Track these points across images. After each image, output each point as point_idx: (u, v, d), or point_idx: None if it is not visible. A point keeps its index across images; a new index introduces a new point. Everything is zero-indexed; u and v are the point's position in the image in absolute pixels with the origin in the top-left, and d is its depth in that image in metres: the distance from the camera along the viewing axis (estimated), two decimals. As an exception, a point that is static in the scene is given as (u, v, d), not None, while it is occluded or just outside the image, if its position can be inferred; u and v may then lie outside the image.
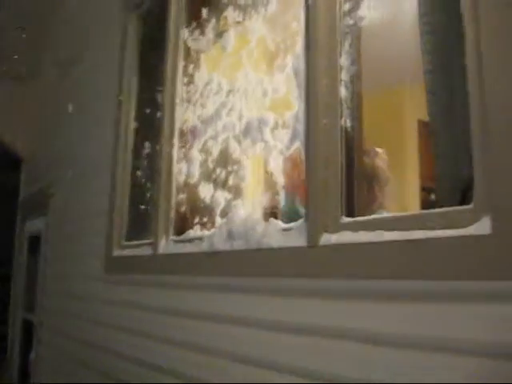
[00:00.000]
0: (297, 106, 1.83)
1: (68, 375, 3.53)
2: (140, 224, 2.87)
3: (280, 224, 1.84)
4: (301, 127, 1.79)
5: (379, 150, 2.02)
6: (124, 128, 3.07)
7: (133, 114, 3.10)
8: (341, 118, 1.66)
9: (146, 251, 2.58)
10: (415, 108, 2.92)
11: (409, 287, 1.34)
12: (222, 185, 2.21)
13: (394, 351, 1.35)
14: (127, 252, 2.81)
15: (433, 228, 1.34)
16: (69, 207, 3.98)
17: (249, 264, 1.88)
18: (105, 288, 3.01)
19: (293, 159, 1.85)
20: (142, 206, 2.85)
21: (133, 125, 3.08)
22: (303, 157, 1.78)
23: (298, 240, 1.70)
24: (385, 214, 1.53)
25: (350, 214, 1.62)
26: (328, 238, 1.59)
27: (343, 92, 1.68)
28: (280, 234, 1.80)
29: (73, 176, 3.90)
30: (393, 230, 1.43)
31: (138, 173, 2.93)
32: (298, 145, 1.81)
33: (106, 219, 3.06)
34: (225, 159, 2.22)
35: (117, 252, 2.91)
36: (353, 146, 1.69)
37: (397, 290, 1.38)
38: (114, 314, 2.89)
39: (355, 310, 1.49)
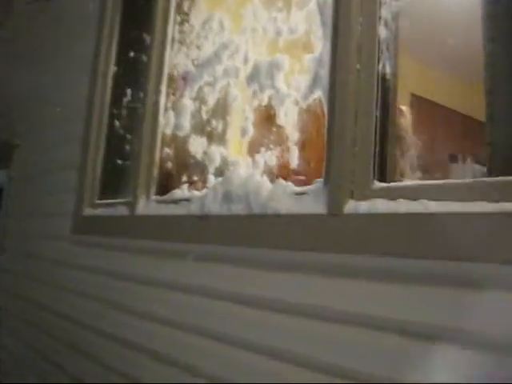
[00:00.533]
0: (320, 47, 1.53)
1: (28, 343, 3.22)
2: (116, 181, 2.55)
3: (291, 186, 1.55)
4: (324, 73, 1.49)
5: (403, 107, 1.73)
6: (102, 72, 2.71)
7: (113, 56, 2.73)
8: (378, 63, 1.37)
9: (122, 211, 2.27)
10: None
11: (469, 270, 1.08)
12: (219, 139, 1.91)
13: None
14: (100, 211, 2.49)
15: (489, 199, 1.08)
16: (35, 159, 3.60)
17: (250, 232, 1.59)
18: (72, 250, 2.68)
19: (311, 111, 1.56)
20: (120, 161, 2.51)
21: (113, 69, 2.72)
22: (325, 108, 1.49)
23: (314, 206, 1.43)
24: (427, 181, 1.25)
25: (382, 179, 1.35)
26: (355, 206, 1.32)
27: (383, 32, 1.38)
28: (291, 199, 1.52)
29: (43, 124, 3.51)
30: (438, 199, 1.17)
31: (117, 123, 2.59)
32: (319, 94, 1.51)
33: (76, 174, 2.71)
34: (223, 109, 1.92)
35: (88, 211, 2.58)
36: (390, 98, 1.40)
37: (454, 273, 1.11)
38: (81, 279, 2.57)
39: (388, 293, 1.22)
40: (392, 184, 1.31)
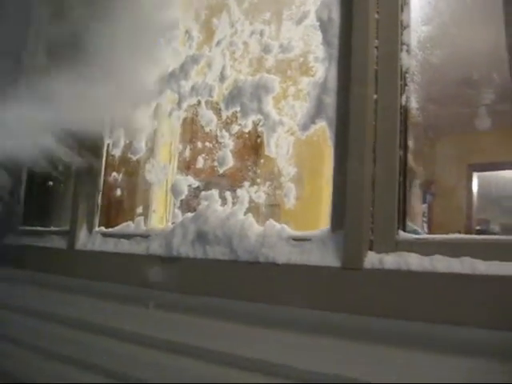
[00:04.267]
0: (322, 70, 1.33)
1: None
2: (45, 205, 2.20)
3: (286, 230, 1.33)
4: (330, 101, 1.29)
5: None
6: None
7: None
8: (401, 94, 1.20)
9: (57, 243, 1.93)
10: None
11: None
12: (185, 167, 1.65)
13: None
14: (25, 241, 2.12)
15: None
16: None
17: (236, 282, 1.35)
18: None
19: (310, 142, 1.35)
20: (50, 182, 2.16)
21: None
22: (330, 141, 1.29)
23: (323, 257, 1.22)
24: (470, 235, 1.09)
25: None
26: (379, 259, 1.12)
27: (405, 59, 1.21)
28: (288, 245, 1.30)
29: None
30: (484, 258, 1.01)
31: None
32: (322, 124, 1.31)
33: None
34: (191, 133, 1.66)
35: (9, 239, 2.20)
36: (414, 134, 1.23)
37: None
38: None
39: (429, 364, 1.03)
40: (424, 236, 1.13)
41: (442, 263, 1.05)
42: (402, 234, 1.15)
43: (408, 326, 1.06)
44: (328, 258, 1.21)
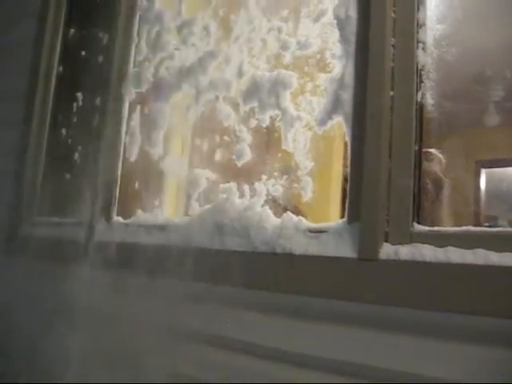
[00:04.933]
0: (339, 67, 1.36)
1: None
2: (60, 197, 2.24)
3: (304, 222, 1.37)
4: (347, 97, 1.33)
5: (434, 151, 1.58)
6: (44, 71, 2.39)
7: (57, 53, 2.42)
8: (417, 91, 1.23)
9: (74, 234, 1.97)
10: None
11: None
12: (204, 160, 1.69)
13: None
14: (42, 232, 2.16)
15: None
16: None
17: (254, 272, 1.39)
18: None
19: (327, 137, 1.39)
20: (66, 174, 2.20)
21: (56, 69, 2.41)
22: (347, 136, 1.33)
23: (339, 248, 1.26)
24: (483, 228, 1.13)
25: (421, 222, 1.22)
26: (395, 251, 1.16)
27: (421, 58, 1.24)
28: (305, 237, 1.34)
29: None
30: (497, 250, 1.05)
31: (63, 131, 2.28)
32: (339, 119, 1.35)
33: (11, 185, 2.36)
34: (209, 127, 1.70)
35: (25, 229, 2.25)
36: (429, 130, 1.27)
37: None
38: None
39: (441, 353, 1.08)
40: (438, 228, 1.17)
41: (455, 254, 1.08)
42: (417, 226, 1.19)
43: (423, 315, 1.10)
44: (344, 250, 1.24)
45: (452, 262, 1.08)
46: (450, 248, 1.10)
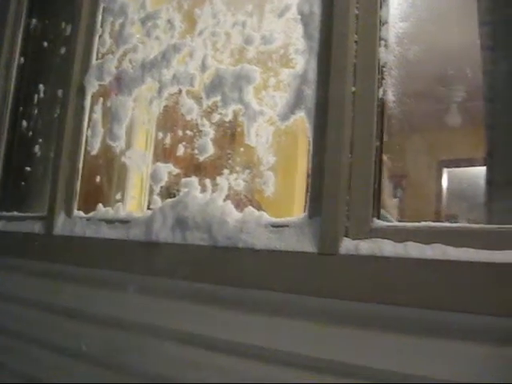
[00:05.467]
0: (303, 62, 1.36)
1: None
2: (20, 190, 2.19)
3: (265, 216, 1.37)
4: (310, 92, 1.33)
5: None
6: (4, 62, 2.34)
7: (18, 44, 2.36)
8: (378, 87, 1.24)
9: (34, 228, 1.94)
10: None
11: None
12: (165, 155, 1.67)
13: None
14: (0, 226, 2.11)
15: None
16: None
17: (215, 267, 1.39)
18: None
19: (291, 132, 1.39)
20: (27, 167, 2.16)
21: (18, 60, 2.35)
22: (309, 132, 1.33)
23: (299, 243, 1.26)
24: (442, 223, 1.14)
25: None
26: (355, 245, 1.17)
27: (383, 55, 1.26)
28: (266, 231, 1.34)
29: None
30: (455, 245, 1.06)
31: (24, 123, 2.23)
32: (301, 115, 1.35)
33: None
34: (172, 121, 1.68)
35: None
36: (390, 127, 1.28)
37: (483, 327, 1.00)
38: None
39: (394, 346, 1.09)
40: (397, 224, 1.18)
41: (414, 249, 1.10)
42: (377, 222, 1.20)
43: (382, 309, 1.10)
44: (305, 244, 1.25)
45: (411, 256, 1.09)
46: (409, 243, 1.11)
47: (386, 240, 1.14)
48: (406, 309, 1.07)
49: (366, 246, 1.15)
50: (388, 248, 1.12)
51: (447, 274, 1.04)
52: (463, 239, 1.06)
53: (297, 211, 2.06)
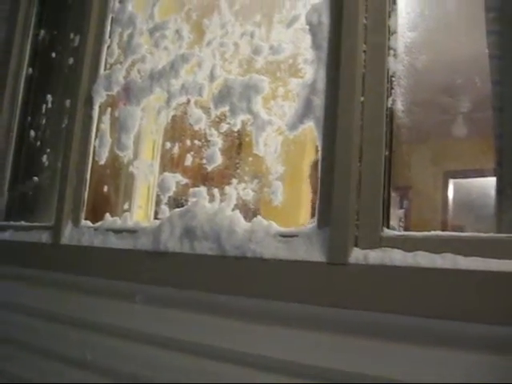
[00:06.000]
0: (311, 72, 1.37)
1: None
2: (28, 200, 2.20)
3: (274, 226, 1.37)
4: (318, 102, 1.33)
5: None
6: (13, 73, 2.35)
7: (27, 55, 2.38)
8: (387, 97, 1.25)
9: (41, 238, 1.94)
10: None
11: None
12: (173, 164, 1.67)
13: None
14: (9, 235, 2.12)
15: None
16: None
17: (224, 276, 1.38)
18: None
19: (298, 142, 1.39)
20: (35, 177, 2.17)
21: (26, 70, 2.37)
22: (318, 141, 1.33)
23: (308, 252, 1.26)
24: (452, 233, 1.14)
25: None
26: (364, 255, 1.17)
27: (392, 64, 1.26)
28: (275, 241, 1.33)
29: None
30: (466, 254, 1.06)
31: (32, 133, 2.24)
32: (310, 124, 1.36)
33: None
34: (180, 131, 1.69)
35: (-10, 233, 2.20)
36: (399, 136, 1.28)
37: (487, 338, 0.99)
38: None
39: (406, 357, 1.08)
40: (407, 233, 1.18)
41: (424, 259, 1.09)
42: (386, 231, 1.19)
43: (392, 319, 1.10)
44: (314, 254, 1.24)
45: (421, 266, 1.08)
46: (419, 252, 1.10)
47: (395, 249, 1.14)
48: (416, 319, 1.06)
49: (375, 256, 1.15)
50: (398, 257, 1.12)
51: (457, 283, 1.03)
52: (473, 248, 1.06)
53: (303, 220, 2.06)
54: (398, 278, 1.10)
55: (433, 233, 1.13)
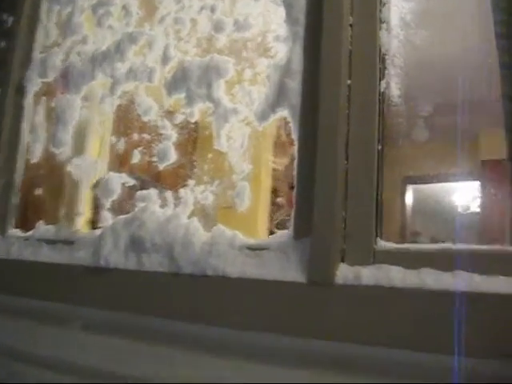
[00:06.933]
0: (285, 51, 1.14)
1: None
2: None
3: (239, 237, 1.13)
4: (295, 86, 1.10)
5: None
6: None
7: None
8: (380, 79, 1.02)
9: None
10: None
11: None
12: (118, 162, 1.41)
13: None
14: None
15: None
16: None
17: (178, 298, 1.13)
18: None
19: (268, 135, 1.15)
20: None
21: None
22: (294, 133, 1.10)
23: (284, 269, 1.02)
24: (466, 246, 0.92)
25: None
26: (354, 273, 0.94)
27: (385, 40, 1.04)
28: (242, 256, 1.09)
29: None
30: (485, 272, 0.84)
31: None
32: (284, 113, 1.12)
33: None
34: (126, 123, 1.43)
35: None
36: (393, 125, 1.06)
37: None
38: None
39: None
40: (408, 245, 0.95)
41: (431, 278, 0.87)
42: (381, 243, 0.97)
43: (391, 354, 0.87)
44: (290, 272, 1.01)
45: (428, 287, 0.86)
46: (425, 269, 0.88)
47: (393, 266, 0.91)
48: (425, 355, 0.84)
49: (368, 274, 0.92)
50: (398, 276, 0.89)
51: (473, 308, 0.81)
52: (492, 265, 0.84)
53: (260, 229, 1.84)
54: (399, 303, 0.87)
55: (441, 245, 0.91)
